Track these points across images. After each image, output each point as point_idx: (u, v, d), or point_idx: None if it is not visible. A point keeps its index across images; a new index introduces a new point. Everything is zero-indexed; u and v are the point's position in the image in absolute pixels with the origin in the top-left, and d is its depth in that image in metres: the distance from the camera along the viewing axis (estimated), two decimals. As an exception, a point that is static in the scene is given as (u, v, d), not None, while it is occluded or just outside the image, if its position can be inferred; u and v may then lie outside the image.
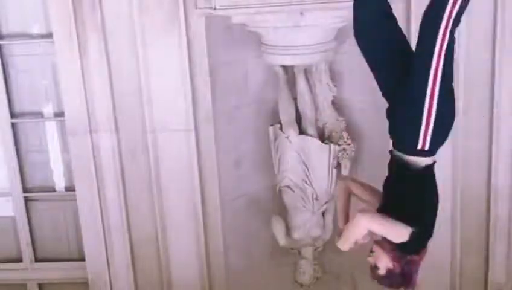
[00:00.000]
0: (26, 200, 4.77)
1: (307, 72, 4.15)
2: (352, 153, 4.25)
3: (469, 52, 3.91)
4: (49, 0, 4.13)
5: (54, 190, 4.80)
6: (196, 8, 3.90)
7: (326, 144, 4.19)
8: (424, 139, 2.53)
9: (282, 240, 4.33)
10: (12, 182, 4.71)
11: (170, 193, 4.29)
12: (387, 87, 2.64)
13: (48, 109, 4.64)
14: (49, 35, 4.32)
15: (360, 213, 2.58)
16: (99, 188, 4.33)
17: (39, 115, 4.66)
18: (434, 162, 2.61)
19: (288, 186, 4.23)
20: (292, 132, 4.16)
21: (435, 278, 4.29)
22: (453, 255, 4.27)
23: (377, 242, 2.64)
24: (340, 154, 4.22)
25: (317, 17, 3.64)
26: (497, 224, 4.19)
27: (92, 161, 4.28)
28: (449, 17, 2.41)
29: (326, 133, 4.29)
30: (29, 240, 4.82)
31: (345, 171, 4.25)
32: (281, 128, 4.24)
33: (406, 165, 2.58)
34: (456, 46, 2.53)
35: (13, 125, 4.61)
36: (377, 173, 4.29)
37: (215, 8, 3.66)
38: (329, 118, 4.28)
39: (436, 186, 2.64)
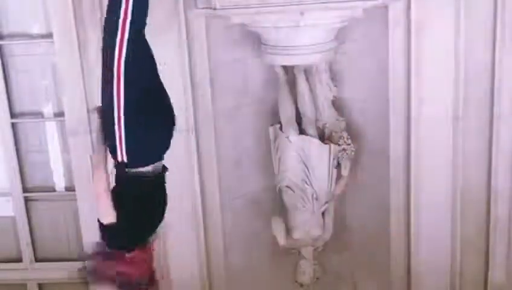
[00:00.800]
0: (26, 200, 4.76)
1: (307, 72, 4.15)
2: (352, 153, 4.25)
3: (469, 52, 3.91)
4: (49, 0, 4.13)
5: (54, 190, 4.79)
6: (196, 8, 3.90)
7: (326, 144, 4.19)
8: (121, 152, 2.61)
9: (282, 240, 4.32)
10: (12, 182, 4.71)
11: (170, 193, 4.27)
12: None
13: (48, 109, 4.63)
14: (49, 35, 4.32)
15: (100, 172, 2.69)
16: (99, 188, 4.32)
17: (39, 115, 4.65)
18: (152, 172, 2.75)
19: (288, 186, 4.23)
20: (292, 132, 4.16)
21: (435, 278, 4.29)
22: (453, 256, 4.27)
23: None
24: (340, 154, 4.21)
25: (317, 17, 3.63)
26: (497, 225, 4.18)
27: (92, 161, 4.27)
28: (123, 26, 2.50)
29: (326, 133, 4.29)
30: (29, 240, 4.82)
31: (344, 172, 4.25)
32: (281, 128, 4.24)
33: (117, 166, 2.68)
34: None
35: (13, 125, 4.61)
36: (377, 173, 4.33)
37: (215, 8, 3.65)
38: (329, 118, 4.27)
39: (142, 196, 2.77)
